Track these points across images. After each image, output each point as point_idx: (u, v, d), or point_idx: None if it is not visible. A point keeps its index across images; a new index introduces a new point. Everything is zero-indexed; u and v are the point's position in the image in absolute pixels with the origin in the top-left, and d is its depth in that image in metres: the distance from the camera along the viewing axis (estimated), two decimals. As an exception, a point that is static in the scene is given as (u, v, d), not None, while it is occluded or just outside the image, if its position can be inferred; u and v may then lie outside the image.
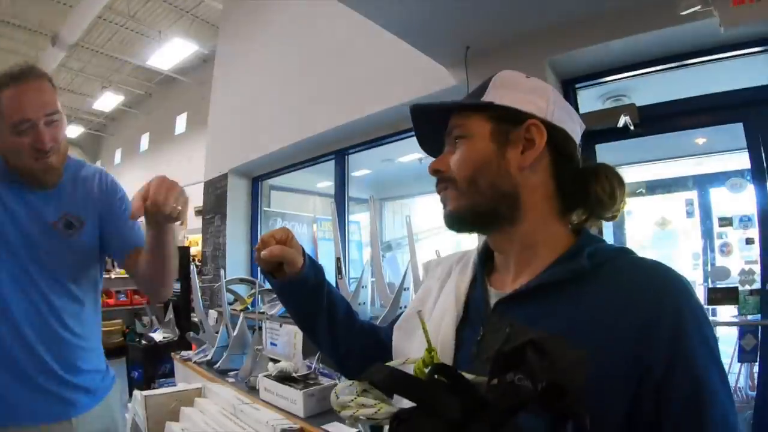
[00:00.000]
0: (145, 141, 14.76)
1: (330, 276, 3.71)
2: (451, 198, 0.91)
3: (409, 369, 0.80)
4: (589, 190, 0.87)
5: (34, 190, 1.57)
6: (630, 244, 3.27)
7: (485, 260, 1.00)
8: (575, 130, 0.92)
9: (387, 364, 0.81)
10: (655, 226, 3.62)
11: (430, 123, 0.98)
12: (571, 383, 0.64)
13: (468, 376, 0.72)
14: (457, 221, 0.92)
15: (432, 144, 1.01)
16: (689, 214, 3.48)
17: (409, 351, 0.97)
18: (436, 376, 0.72)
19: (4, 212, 1.50)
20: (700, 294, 3.04)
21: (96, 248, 1.68)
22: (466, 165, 0.88)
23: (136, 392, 2.94)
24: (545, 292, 0.81)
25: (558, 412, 0.63)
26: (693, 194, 3.57)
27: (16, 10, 9.31)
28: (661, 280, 0.75)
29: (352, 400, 0.76)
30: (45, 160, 1.50)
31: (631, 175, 3.66)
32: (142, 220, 1.38)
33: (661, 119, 2.65)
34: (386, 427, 0.74)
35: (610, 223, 2.99)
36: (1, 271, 1.48)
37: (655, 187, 3.76)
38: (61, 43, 9.41)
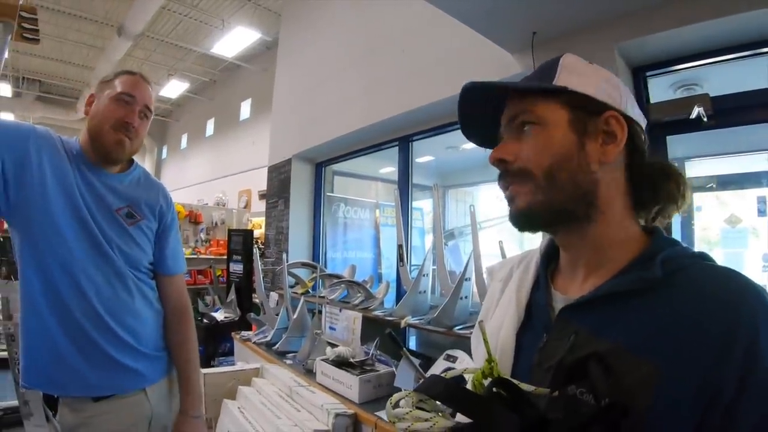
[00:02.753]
0: (210, 126, 15.11)
1: (392, 262, 3.72)
2: (523, 193, 0.82)
3: (469, 378, 0.80)
4: (659, 187, 0.82)
5: (103, 175, 1.69)
6: (698, 241, 3.16)
7: (549, 260, 0.94)
8: (643, 121, 0.86)
9: (446, 373, 0.79)
10: (724, 224, 3.49)
11: (480, 107, 0.89)
12: (635, 402, 0.63)
13: (528, 387, 0.70)
14: (528, 220, 0.83)
15: (476, 129, 0.94)
16: (761, 212, 3.31)
17: (478, 359, 0.94)
18: (494, 389, 0.70)
19: (79, 193, 1.60)
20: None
21: (150, 242, 1.79)
22: (544, 156, 0.79)
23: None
24: (614, 300, 0.75)
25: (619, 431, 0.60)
26: (766, 191, 3.40)
27: (82, 3, 9.69)
28: (737, 294, 0.67)
29: (408, 413, 0.74)
30: (122, 136, 1.65)
31: (701, 169, 3.53)
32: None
33: (736, 111, 2.48)
34: None
35: (678, 220, 2.90)
36: (77, 246, 1.57)
37: (726, 183, 3.60)
38: (126, 34, 9.70)
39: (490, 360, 0.77)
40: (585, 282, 0.83)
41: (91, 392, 1.58)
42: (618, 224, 0.81)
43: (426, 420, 0.72)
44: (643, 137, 0.84)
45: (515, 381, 0.71)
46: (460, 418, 0.72)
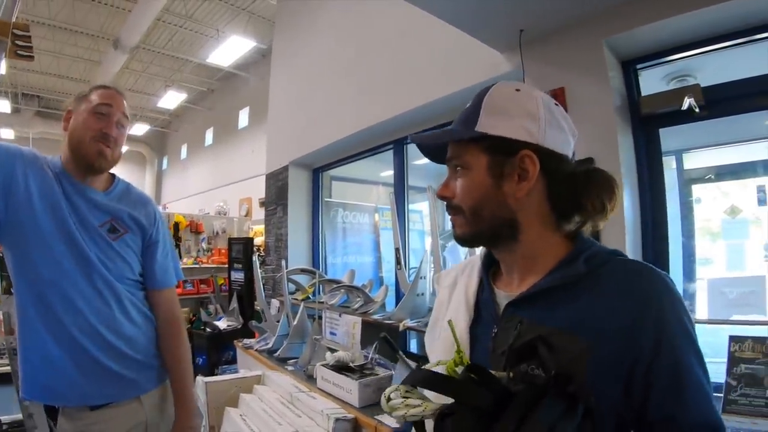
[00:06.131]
0: (209, 136, 15.19)
1: (393, 266, 3.66)
2: (458, 224, 1.01)
3: (442, 369, 0.91)
4: (578, 203, 0.95)
5: (86, 191, 1.72)
6: (699, 233, 3.16)
7: (489, 265, 1.10)
8: (567, 141, 0.97)
9: (423, 367, 0.97)
10: (725, 215, 3.46)
11: (433, 143, 1.06)
12: (575, 371, 0.79)
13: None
14: (464, 243, 1.04)
15: (436, 155, 1.08)
16: (761, 201, 3.29)
17: (436, 352, 1.10)
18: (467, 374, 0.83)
19: (66, 209, 1.64)
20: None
21: (136, 255, 1.81)
22: (468, 197, 0.97)
23: (198, 378, 3.04)
24: (549, 294, 0.92)
25: (568, 395, 0.75)
26: (766, 180, 3.38)
27: (77, 17, 9.77)
28: (647, 282, 0.87)
29: (401, 402, 0.90)
30: (103, 147, 1.68)
31: (699, 160, 3.52)
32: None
33: (728, 100, 2.45)
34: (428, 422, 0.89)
35: (678, 213, 2.89)
36: (66, 260, 1.61)
37: (725, 173, 3.59)
38: (122, 47, 9.81)
39: (459, 351, 0.90)
40: (521, 283, 1.00)
41: (87, 401, 1.61)
42: (541, 238, 0.98)
43: (418, 406, 0.88)
44: (563, 160, 0.96)
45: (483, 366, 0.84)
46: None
